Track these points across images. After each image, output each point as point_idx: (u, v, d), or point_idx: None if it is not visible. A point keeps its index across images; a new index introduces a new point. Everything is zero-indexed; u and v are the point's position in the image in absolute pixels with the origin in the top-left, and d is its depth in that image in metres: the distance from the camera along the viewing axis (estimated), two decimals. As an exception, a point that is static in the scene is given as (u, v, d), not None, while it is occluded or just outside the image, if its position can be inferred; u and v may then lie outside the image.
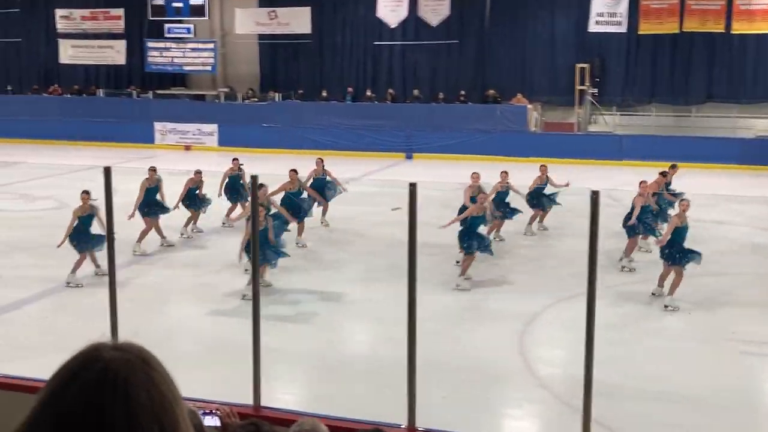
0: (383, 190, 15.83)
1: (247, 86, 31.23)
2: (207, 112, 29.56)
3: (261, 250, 10.28)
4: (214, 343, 9.68)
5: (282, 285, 11.94)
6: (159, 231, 14.02)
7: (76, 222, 11.75)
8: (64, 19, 32.03)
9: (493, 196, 14.00)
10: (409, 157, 26.64)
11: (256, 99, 30.46)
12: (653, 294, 11.53)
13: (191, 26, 30.92)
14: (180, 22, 30.89)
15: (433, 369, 7.77)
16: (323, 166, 15.63)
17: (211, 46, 30.84)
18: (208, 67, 31.00)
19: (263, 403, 6.05)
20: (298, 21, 29.69)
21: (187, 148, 28.63)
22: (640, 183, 13.36)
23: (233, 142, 28.12)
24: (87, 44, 32.17)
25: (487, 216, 12.58)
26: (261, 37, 30.89)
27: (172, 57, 31.02)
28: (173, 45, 30.94)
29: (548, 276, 12.71)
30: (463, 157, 25.10)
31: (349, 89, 29.94)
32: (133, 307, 10.24)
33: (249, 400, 6.08)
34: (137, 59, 31.64)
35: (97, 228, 11.73)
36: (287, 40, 30.24)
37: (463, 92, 28.48)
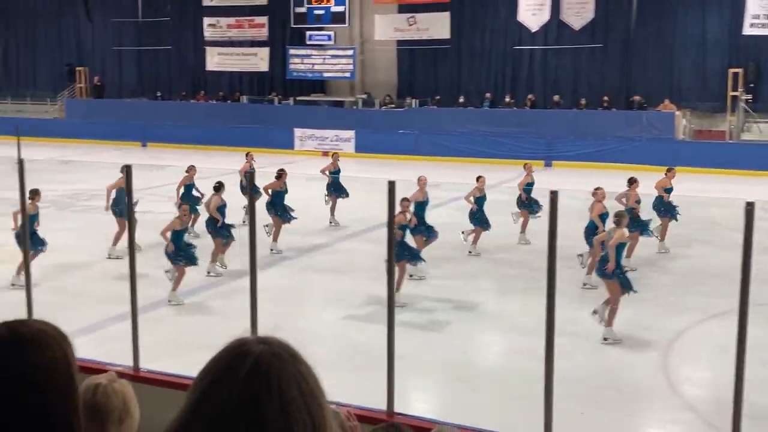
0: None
1: (385, 92, 31.64)
2: (345, 118, 30.16)
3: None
4: (349, 348, 9.86)
5: (416, 293, 12.03)
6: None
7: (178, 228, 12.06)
8: (211, 27, 33.52)
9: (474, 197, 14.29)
10: (548, 165, 26.20)
11: (393, 105, 30.81)
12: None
13: (332, 33, 31.66)
14: (321, 29, 31.69)
15: (571, 384, 7.62)
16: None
17: (351, 52, 31.46)
18: (347, 74, 31.63)
19: (396, 409, 6.12)
20: (437, 26, 29.84)
21: (325, 154, 29.31)
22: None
23: (370, 149, 28.57)
24: (232, 52, 33.54)
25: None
26: (399, 43, 31.22)
27: (313, 64, 31.86)
28: (314, 52, 31.77)
29: (694, 292, 12.20)
30: (606, 166, 24.48)
31: (487, 95, 29.79)
32: (270, 308, 10.59)
33: (382, 406, 6.16)
34: (279, 66, 32.70)
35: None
36: (425, 45, 30.43)
37: (606, 98, 27.76)
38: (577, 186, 19.78)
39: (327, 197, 16.85)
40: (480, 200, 14.39)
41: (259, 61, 33.08)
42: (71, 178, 20.71)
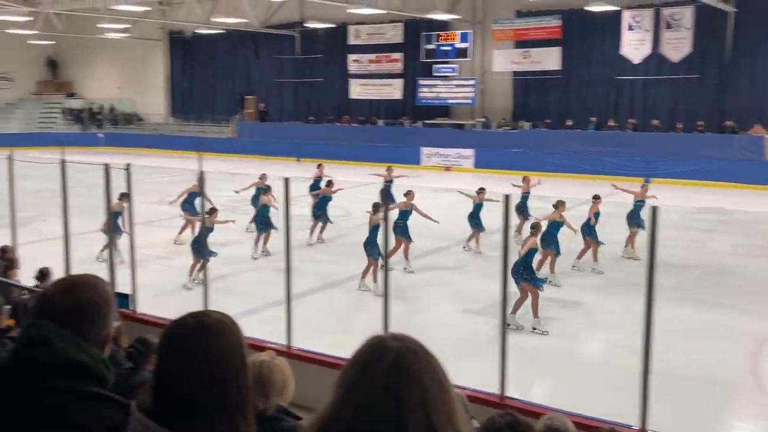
0: (618, 210, 15.06)
1: (501, 116, 31.25)
2: (466, 138, 30.00)
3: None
4: (466, 338, 9.76)
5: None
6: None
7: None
8: (355, 62, 34.13)
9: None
10: (647, 182, 25.15)
11: (508, 127, 30.39)
12: None
13: (456, 66, 31.57)
14: (447, 63, 31.66)
15: (665, 378, 7.25)
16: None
17: (472, 82, 31.26)
18: (469, 100, 31.45)
19: (507, 394, 5.99)
20: (549, 59, 29.24)
21: (447, 168, 29.24)
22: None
23: (487, 165, 28.29)
24: (371, 83, 34.02)
25: None
26: (515, 73, 30.77)
27: (439, 92, 31.87)
28: (440, 82, 31.78)
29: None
30: (700, 183, 23.24)
31: (592, 119, 28.90)
32: (395, 304, 10.64)
33: (495, 390, 6.04)
34: (410, 94, 32.90)
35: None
36: (538, 75, 29.87)
37: (701, 122, 26.36)
38: (672, 201, 18.89)
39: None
40: (596, 216, 13.31)
41: (393, 90, 33.41)
42: (239, 186, 21.52)
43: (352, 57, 34.11)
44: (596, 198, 13.35)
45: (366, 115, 34.72)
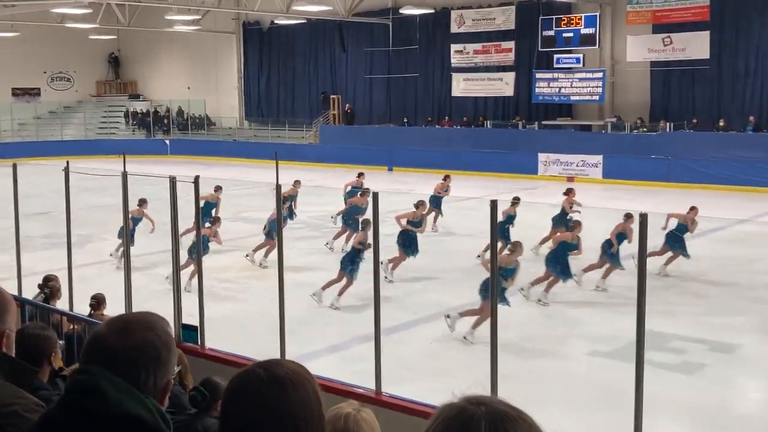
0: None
1: (636, 115, 30.52)
2: (592, 142, 29.44)
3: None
4: (592, 386, 9.50)
5: (664, 329, 11.36)
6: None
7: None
8: (458, 54, 34.18)
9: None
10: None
11: (644, 129, 29.63)
12: None
13: (580, 56, 31.11)
14: (569, 52, 31.24)
15: None
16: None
17: (600, 75, 30.70)
18: (596, 97, 30.88)
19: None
20: (695, 46, 28.35)
21: (570, 179, 28.75)
22: None
23: (618, 174, 27.64)
24: (478, 77, 33.96)
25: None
26: (653, 64, 30.01)
27: (560, 87, 31.46)
28: (561, 75, 31.37)
29: None
30: None
31: (751, 118, 27.79)
32: (515, 341, 10.48)
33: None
34: (524, 90, 32.64)
35: None
36: (682, 66, 29.02)
37: None
38: None
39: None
40: (620, 238, 13.74)
41: (504, 85, 33.22)
42: (321, 201, 21.89)
43: (454, 47, 34.21)
44: (628, 217, 13.68)
45: (471, 115, 34.67)
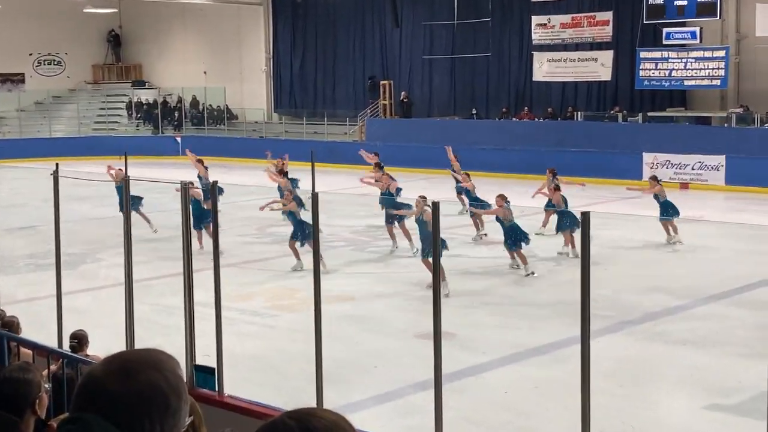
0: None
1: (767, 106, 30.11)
2: (712, 139, 29.05)
3: None
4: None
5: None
6: None
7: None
8: (540, 27, 34.03)
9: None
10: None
11: (780, 122, 29.19)
12: None
13: (697, 30, 30.75)
14: (683, 24, 30.92)
15: None
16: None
17: (723, 54, 30.31)
18: (716, 82, 30.49)
19: None
20: None
21: (684, 186, 28.40)
22: None
23: (746, 180, 27.24)
24: (566, 57, 33.78)
25: None
26: (791, 39, 29.56)
27: (671, 69, 31.12)
28: (673, 54, 31.04)
29: None
30: None
31: None
32: (609, 387, 10.37)
33: None
34: (625, 74, 32.36)
35: None
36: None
37: None
38: None
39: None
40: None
41: (599, 67, 32.98)
42: (368, 212, 21.96)
43: (536, 20, 34.10)
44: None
45: (557, 105, 34.52)
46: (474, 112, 36.23)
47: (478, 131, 34.09)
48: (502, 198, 16.86)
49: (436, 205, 5.42)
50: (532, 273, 16.31)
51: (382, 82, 38.82)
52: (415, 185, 28.87)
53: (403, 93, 38.13)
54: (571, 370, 10.90)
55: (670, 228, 18.63)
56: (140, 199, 19.33)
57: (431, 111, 37.98)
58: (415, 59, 38.52)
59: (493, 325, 13.79)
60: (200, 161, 21.85)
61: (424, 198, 15.62)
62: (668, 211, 18.94)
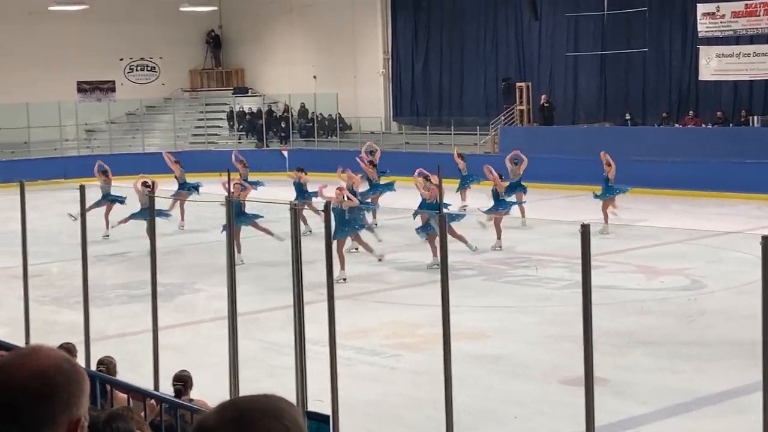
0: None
1: None
2: None
3: None
4: None
5: None
6: None
7: None
8: (708, 17, 33.46)
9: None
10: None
11: None
12: None
13: None
14: None
15: None
16: None
17: None
18: None
19: None
20: None
21: None
22: None
23: None
24: (738, 51, 33.14)
25: None
26: None
27: None
28: None
29: None
30: None
31: None
32: None
33: None
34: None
35: None
36: None
37: None
38: None
39: None
40: None
41: (779, 64, 32.27)
42: (503, 237, 21.89)
43: (702, 8, 33.54)
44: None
45: (728, 108, 33.87)
46: (628, 117, 35.73)
47: (633, 140, 33.61)
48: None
49: (586, 228, 5.37)
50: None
51: (518, 85, 38.65)
52: (555, 204, 28.78)
53: (543, 96, 37.84)
54: (752, 423, 10.66)
55: None
56: (252, 216, 19.89)
57: (576, 117, 37.64)
58: (557, 57, 38.25)
59: (652, 369, 13.56)
60: (177, 162, 25.61)
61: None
62: None
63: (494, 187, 23.68)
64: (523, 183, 26.50)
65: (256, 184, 25.74)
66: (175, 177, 25.66)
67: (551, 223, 22.78)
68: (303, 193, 24.78)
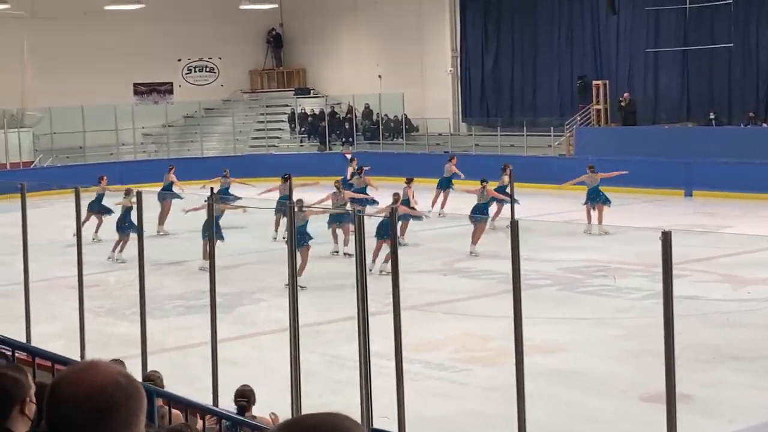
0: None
1: None
2: None
3: None
4: None
5: None
6: None
7: None
8: (797, 9, 33.10)
9: None
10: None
11: None
12: None
13: None
14: None
15: None
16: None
17: None
18: None
19: None
20: None
21: None
22: None
23: None
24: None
25: None
26: None
27: None
28: None
29: None
30: None
31: None
32: None
33: None
34: None
35: None
36: None
37: None
38: None
39: None
40: None
41: None
42: (578, 244, 21.79)
43: (790, 0, 33.17)
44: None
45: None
46: (712, 117, 35.37)
47: (717, 141, 33.33)
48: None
49: (667, 235, 5.35)
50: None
51: (594, 83, 38.44)
52: (636, 209, 28.52)
53: (625, 94, 37.55)
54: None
55: None
56: (308, 237, 20.07)
57: (657, 116, 37.31)
58: (636, 54, 37.99)
59: (738, 385, 13.44)
60: (170, 168, 27.09)
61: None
62: None
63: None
64: (601, 188, 25.96)
65: (364, 202, 25.09)
66: (170, 182, 26.31)
67: (630, 229, 22.60)
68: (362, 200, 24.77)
